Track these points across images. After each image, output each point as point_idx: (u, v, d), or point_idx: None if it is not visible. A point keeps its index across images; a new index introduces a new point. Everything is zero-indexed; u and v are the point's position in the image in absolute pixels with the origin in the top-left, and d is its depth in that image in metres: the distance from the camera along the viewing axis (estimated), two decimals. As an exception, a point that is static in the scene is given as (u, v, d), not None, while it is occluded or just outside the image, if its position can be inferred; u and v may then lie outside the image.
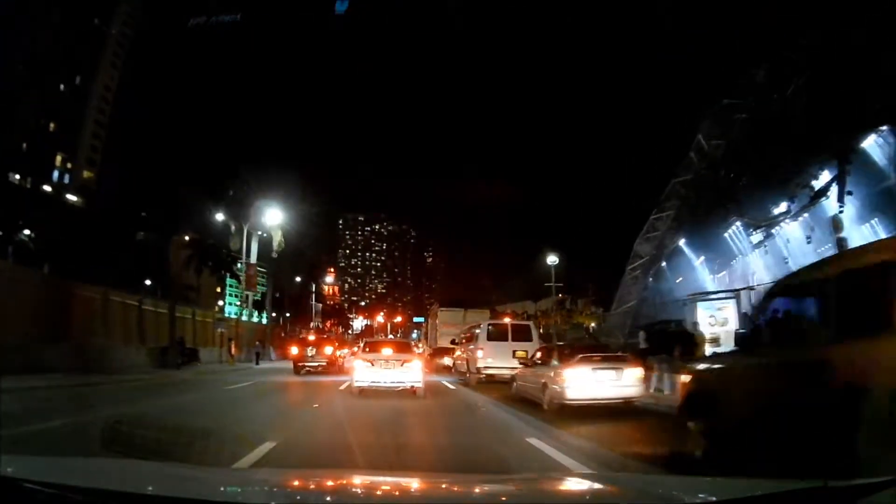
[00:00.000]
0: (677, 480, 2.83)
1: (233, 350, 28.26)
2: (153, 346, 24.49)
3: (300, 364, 21.51)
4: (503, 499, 2.37)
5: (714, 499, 2.01)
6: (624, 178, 32.91)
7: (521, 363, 11.93)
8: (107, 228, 45.66)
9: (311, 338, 26.19)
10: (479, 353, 15.01)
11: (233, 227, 33.52)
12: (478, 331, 15.65)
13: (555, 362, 9.78)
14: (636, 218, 30.71)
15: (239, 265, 34.46)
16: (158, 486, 1.95)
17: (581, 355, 9.34)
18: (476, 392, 13.69)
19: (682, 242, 32.09)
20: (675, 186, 30.09)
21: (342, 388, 13.67)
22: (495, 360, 14.76)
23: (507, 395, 11.90)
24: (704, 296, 14.67)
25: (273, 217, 33.93)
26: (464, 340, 17.79)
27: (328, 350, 22.43)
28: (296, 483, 2.47)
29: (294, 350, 23.29)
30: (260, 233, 38.59)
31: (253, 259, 33.84)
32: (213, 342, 30.22)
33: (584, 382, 9.01)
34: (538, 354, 11.31)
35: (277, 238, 36.70)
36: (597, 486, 2.52)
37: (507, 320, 16.10)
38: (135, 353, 23.18)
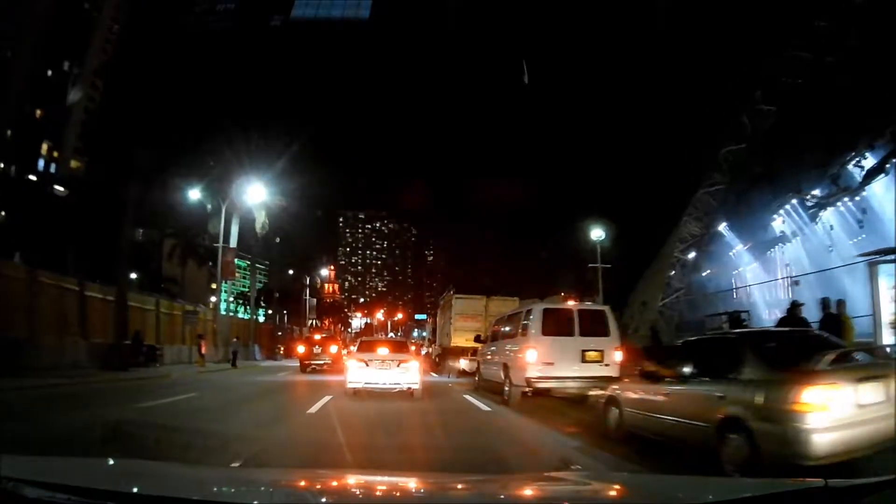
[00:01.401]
0: (677, 480, 2.61)
1: (203, 348, 22.86)
2: (99, 342, 19.20)
3: (306, 362, 22.05)
4: (503, 499, 2.24)
5: (714, 499, 1.87)
6: (651, 154, 27.33)
7: (644, 375, 5.94)
8: (85, 217, 40.96)
9: (317, 337, 26.80)
10: (531, 356, 9.40)
11: (208, 207, 28.03)
12: (527, 321, 10.00)
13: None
14: (655, 204, 25.40)
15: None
16: (158, 487, 1.85)
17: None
18: (531, 420, 8.34)
19: (723, 226, 27.19)
20: (725, 156, 24.99)
21: (313, 410, 8.41)
22: (556, 365, 9.34)
23: (593, 424, 6.60)
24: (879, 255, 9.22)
25: (256, 194, 28.36)
26: (498, 336, 12.09)
27: (333, 349, 22.80)
28: (295, 483, 2.39)
29: (300, 349, 24.42)
30: (258, 229, 33.16)
31: (233, 243, 28.34)
32: (182, 339, 24.84)
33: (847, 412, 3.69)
34: (698, 355, 5.45)
35: (261, 219, 31.20)
36: (597, 485, 2.41)
37: (570, 304, 10.29)
38: (72, 349, 18.04)
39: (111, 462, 2.55)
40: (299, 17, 49.80)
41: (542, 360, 9.32)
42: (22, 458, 1.93)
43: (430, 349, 28.04)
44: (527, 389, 9.51)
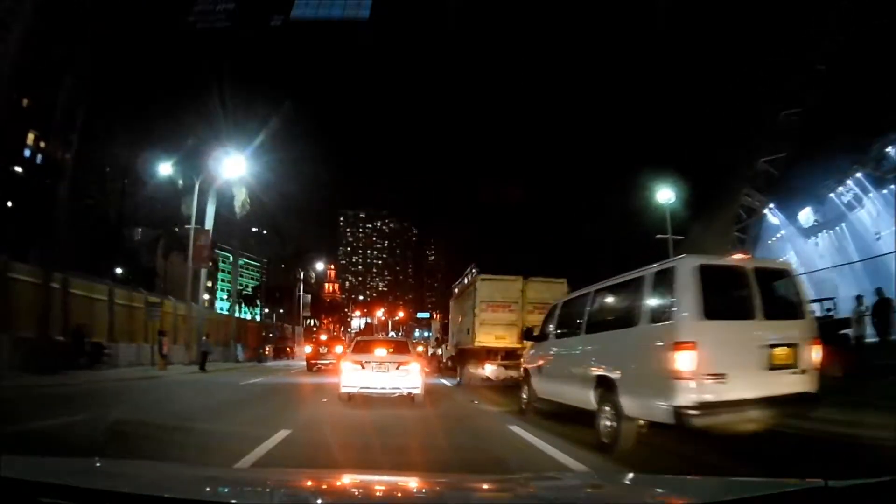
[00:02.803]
0: (677, 480, 2.47)
1: (164, 347, 18.52)
2: (30, 337, 14.96)
3: (312, 361, 23.10)
4: (503, 499, 2.17)
5: (714, 499, 1.79)
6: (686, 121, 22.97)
7: None
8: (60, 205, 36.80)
9: (323, 338, 28.02)
10: (685, 360, 4.35)
11: (180, 184, 23.73)
12: (662, 290, 4.92)
13: None
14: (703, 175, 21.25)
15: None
16: (158, 487, 1.77)
17: None
18: None
19: (768, 209, 22.96)
20: (784, 119, 20.96)
21: (242, 464, 4.11)
22: (731, 376, 4.42)
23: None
24: None
25: (236, 168, 23.98)
26: (575, 327, 6.74)
27: (338, 349, 23.06)
28: (295, 483, 2.29)
29: (307, 349, 26.23)
30: (237, 209, 28.71)
31: (208, 224, 24.04)
32: (144, 336, 20.51)
33: None
34: None
35: (241, 197, 26.84)
36: (596, 485, 2.33)
37: (739, 257, 5.19)
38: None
39: (112, 462, 2.45)
40: (299, 18, 48.17)
41: (706, 370, 4.43)
42: (22, 458, 1.89)
43: (440, 350, 23.57)
44: (642, 422, 4.92)
